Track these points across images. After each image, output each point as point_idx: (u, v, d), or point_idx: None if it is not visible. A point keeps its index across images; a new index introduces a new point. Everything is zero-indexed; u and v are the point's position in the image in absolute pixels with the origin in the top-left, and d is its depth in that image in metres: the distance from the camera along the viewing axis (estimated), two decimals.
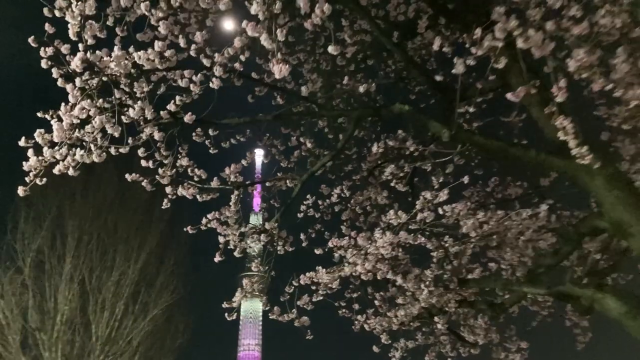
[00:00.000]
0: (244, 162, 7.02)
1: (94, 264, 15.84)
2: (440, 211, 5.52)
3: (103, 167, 17.05)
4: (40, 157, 4.98)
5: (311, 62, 6.71)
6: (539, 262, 5.79)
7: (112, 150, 5.55)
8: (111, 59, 4.68)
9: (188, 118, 5.30)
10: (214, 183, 6.40)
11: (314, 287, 7.88)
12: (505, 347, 8.39)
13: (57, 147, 4.89)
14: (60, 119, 4.81)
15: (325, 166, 6.42)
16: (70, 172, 5.29)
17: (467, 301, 7.06)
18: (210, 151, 7.07)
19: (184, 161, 6.61)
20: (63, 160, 5.18)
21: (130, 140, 5.79)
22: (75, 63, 4.53)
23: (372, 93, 6.88)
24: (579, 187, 5.15)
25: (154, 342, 16.63)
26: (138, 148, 5.99)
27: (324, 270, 6.03)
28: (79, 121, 4.76)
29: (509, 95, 4.10)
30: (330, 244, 6.23)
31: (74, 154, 4.90)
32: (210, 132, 6.86)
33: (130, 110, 4.89)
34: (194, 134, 6.82)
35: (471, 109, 6.36)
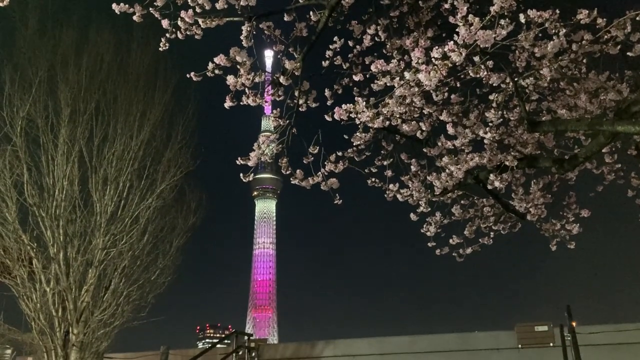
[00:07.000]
0: None
1: (93, 135, 14.89)
2: (522, 18, 4.26)
3: (97, 31, 15.65)
4: None
5: None
6: (634, 97, 4.61)
7: None
8: None
9: None
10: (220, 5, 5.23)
11: (340, 153, 6.99)
12: (561, 217, 7.48)
13: None
14: None
15: None
16: None
17: (527, 158, 6.01)
18: None
19: None
20: None
21: None
22: None
23: None
24: None
25: (164, 224, 16.08)
26: None
27: (364, 103, 4.91)
28: None
29: None
30: (373, 68, 5.07)
31: None
32: None
33: None
34: None
35: None
